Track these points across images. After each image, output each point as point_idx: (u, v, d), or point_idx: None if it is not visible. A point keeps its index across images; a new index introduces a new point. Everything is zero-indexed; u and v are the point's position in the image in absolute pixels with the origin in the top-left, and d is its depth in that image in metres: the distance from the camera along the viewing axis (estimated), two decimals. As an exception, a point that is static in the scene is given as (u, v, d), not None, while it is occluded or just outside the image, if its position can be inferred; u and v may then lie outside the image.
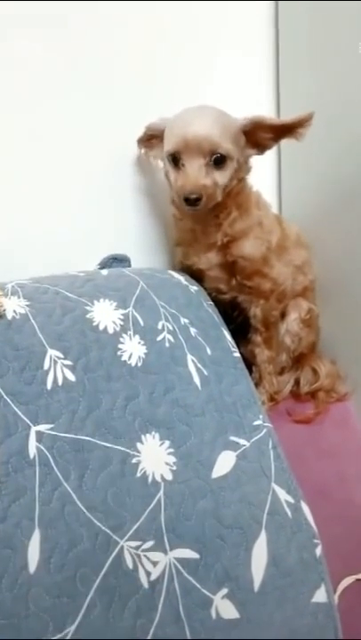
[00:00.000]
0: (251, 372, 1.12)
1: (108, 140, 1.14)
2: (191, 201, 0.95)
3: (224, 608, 0.67)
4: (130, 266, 1.12)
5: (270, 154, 1.07)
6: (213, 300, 1.06)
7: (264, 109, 1.33)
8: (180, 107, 1.05)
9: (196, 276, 1.12)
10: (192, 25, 1.21)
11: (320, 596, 0.72)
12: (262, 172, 1.23)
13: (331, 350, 1.30)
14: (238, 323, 1.16)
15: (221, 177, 0.96)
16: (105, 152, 1.15)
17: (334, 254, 1.24)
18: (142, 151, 1.12)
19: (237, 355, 0.96)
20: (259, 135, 0.99)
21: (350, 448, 1.11)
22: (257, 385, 1.15)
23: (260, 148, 1.02)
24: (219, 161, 0.95)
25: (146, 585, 0.66)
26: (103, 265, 1.10)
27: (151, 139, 1.08)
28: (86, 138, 1.12)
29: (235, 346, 0.97)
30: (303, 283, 1.21)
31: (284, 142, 1.13)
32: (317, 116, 1.04)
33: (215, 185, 0.97)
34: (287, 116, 1.00)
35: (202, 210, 0.98)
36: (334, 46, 1.13)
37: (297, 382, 1.23)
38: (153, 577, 0.67)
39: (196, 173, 0.95)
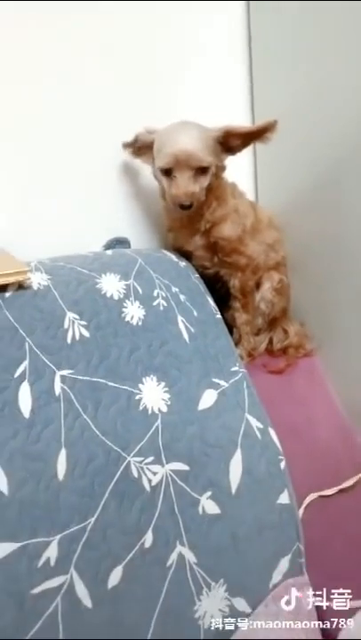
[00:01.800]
0: (232, 333, 1.19)
1: (109, 141, 1.18)
2: (185, 207, 1.04)
3: (209, 506, 0.81)
4: (130, 247, 1.20)
5: (248, 148, 1.11)
6: (200, 275, 1.15)
7: (238, 104, 1.38)
8: (161, 102, 1.20)
9: (185, 255, 1.19)
10: (165, 24, 1.23)
11: (284, 498, 0.86)
12: (241, 164, 1.29)
13: (301, 315, 1.36)
14: (221, 293, 1.23)
15: (204, 182, 1.05)
16: (107, 151, 1.20)
17: (305, 234, 1.30)
18: (128, 154, 1.16)
19: (219, 317, 1.05)
20: (230, 141, 1.06)
21: (316, 394, 1.21)
22: (237, 343, 1.23)
23: (233, 151, 1.08)
24: (203, 170, 1.03)
25: (148, 489, 0.79)
26: (108, 246, 1.18)
27: (141, 148, 1.13)
28: (93, 139, 1.18)
29: (217, 310, 1.06)
30: (275, 259, 1.28)
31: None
32: (289, 113, 1.11)
33: (202, 190, 1.05)
34: (253, 125, 1.07)
35: (192, 212, 1.08)
36: (306, 43, 1.15)
37: (271, 341, 1.32)
38: (153, 483, 0.79)
39: (187, 183, 1.03)
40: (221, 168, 1.11)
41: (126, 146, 1.16)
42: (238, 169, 1.19)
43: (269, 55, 1.31)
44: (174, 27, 1.26)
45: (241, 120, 1.38)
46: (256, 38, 1.33)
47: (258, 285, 1.28)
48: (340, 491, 1.01)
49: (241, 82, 1.38)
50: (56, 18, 1.10)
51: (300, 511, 0.94)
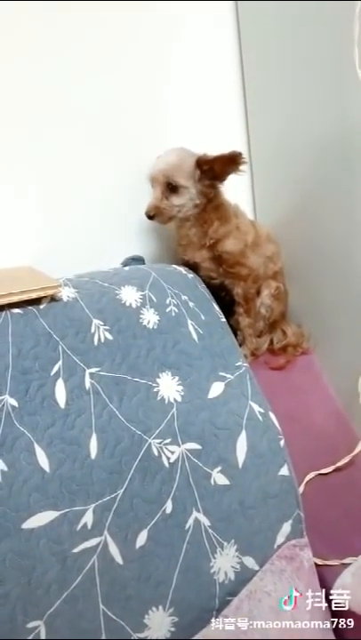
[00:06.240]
0: (237, 335, 1.26)
1: (124, 172, 1.26)
2: (148, 216, 1.16)
3: (219, 478, 0.88)
4: (144, 263, 1.26)
5: (246, 173, 1.16)
6: (206, 284, 1.17)
7: (234, 129, 1.42)
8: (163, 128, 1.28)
9: (193, 267, 1.24)
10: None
11: (284, 470, 0.93)
12: (240, 187, 1.35)
13: (298, 317, 1.41)
14: (226, 301, 1.29)
15: (178, 200, 1.16)
16: (123, 182, 1.28)
17: (299, 246, 1.35)
18: None
19: (223, 320, 1.10)
20: (204, 168, 1.13)
21: (313, 386, 1.26)
22: (241, 344, 1.29)
23: (217, 178, 1.15)
24: (173, 189, 1.14)
25: (167, 465, 0.86)
26: (125, 263, 1.24)
27: None
28: (111, 172, 1.25)
29: (222, 314, 1.11)
30: (273, 269, 1.33)
31: (256, 163, 1.25)
32: (281, 140, 1.18)
33: (172, 206, 1.16)
34: (217, 154, 1.11)
35: (160, 222, 1.21)
36: (296, 65, 1.18)
37: (271, 341, 1.37)
38: (172, 460, 0.87)
39: (155, 197, 1.16)
40: (214, 191, 1.18)
41: None
42: (238, 191, 1.26)
43: (262, 78, 1.35)
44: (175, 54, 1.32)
45: (236, 140, 1.43)
46: (247, 59, 1.37)
47: (258, 293, 1.33)
48: (336, 469, 1.07)
49: (236, 105, 1.43)
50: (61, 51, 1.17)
51: (301, 487, 1.02)
